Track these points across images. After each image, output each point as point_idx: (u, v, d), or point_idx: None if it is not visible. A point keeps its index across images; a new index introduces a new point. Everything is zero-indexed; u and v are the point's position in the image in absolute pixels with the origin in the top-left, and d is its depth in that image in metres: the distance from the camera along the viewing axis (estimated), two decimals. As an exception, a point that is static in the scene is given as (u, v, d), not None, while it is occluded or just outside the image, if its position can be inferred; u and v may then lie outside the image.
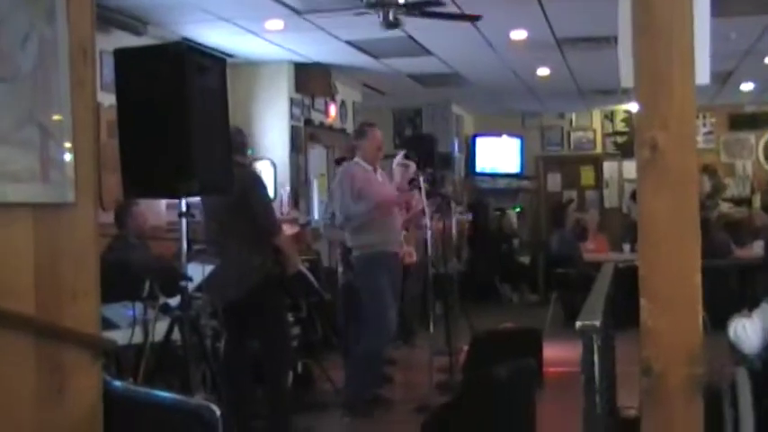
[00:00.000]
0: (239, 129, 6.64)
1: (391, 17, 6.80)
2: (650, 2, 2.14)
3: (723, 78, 11.34)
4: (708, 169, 13.32)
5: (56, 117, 3.07)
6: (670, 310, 2.14)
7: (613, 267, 4.49)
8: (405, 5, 6.75)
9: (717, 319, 8.77)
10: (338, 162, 8.44)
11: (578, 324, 2.26)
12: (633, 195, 12.32)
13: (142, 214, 6.47)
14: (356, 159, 6.88)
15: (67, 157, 3.10)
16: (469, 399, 5.86)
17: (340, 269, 7.93)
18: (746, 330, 3.51)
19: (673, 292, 2.14)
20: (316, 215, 10.23)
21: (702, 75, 2.21)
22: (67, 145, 3.10)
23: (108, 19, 7.01)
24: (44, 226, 3.00)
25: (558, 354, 7.38)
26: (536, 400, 6.14)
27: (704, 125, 14.52)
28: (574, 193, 15.50)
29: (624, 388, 4.07)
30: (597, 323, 2.27)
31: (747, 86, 12.52)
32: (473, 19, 7.16)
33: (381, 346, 6.83)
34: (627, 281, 3.51)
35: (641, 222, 2.19)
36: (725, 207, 13.21)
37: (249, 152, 7.07)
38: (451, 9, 7.15)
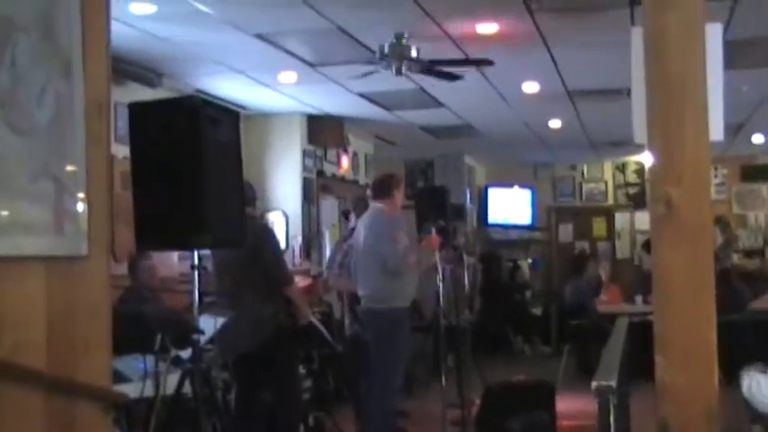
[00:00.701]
0: (248, 182, 6.67)
1: (403, 71, 6.85)
2: (663, 56, 2.15)
3: (735, 130, 11.35)
4: (720, 221, 13.27)
5: (70, 169, 3.08)
6: (686, 366, 2.11)
7: (627, 323, 4.46)
8: (417, 61, 6.79)
9: (732, 373, 8.67)
10: (345, 214, 8.42)
11: (594, 384, 2.24)
12: (645, 246, 12.25)
13: (153, 267, 6.47)
14: (388, 210, 6.80)
15: (81, 208, 3.11)
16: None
17: (347, 320, 7.90)
18: (761, 388, 3.46)
19: (688, 348, 2.12)
20: (332, 266, 10.22)
21: (716, 131, 2.21)
22: (81, 197, 3.11)
23: (123, 71, 7.08)
24: (57, 278, 3.00)
25: (572, 407, 7.30)
26: (550, 454, 6.08)
27: (716, 176, 14.49)
28: (586, 244, 15.45)
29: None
30: (613, 383, 2.24)
31: (759, 138, 12.53)
32: (484, 64, 7.20)
33: (393, 399, 6.77)
34: (641, 335, 3.48)
35: (656, 278, 2.17)
36: (737, 258, 13.14)
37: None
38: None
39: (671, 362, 2.11)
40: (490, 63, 7.16)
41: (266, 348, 5.78)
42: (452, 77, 7.30)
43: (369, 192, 7.28)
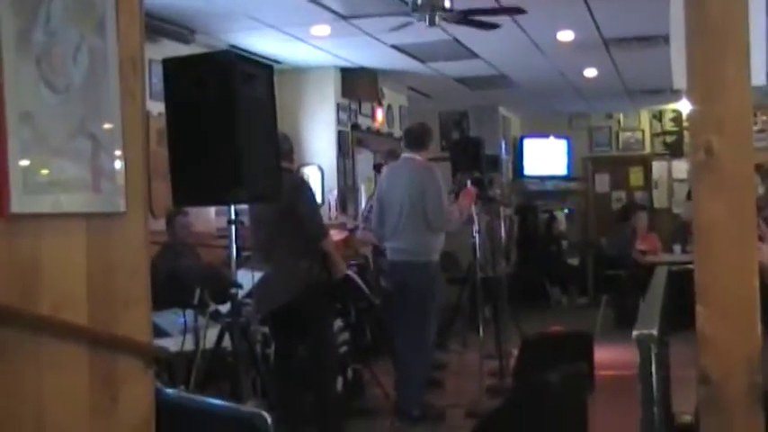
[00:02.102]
0: (285, 135, 6.68)
1: (437, 21, 6.78)
2: (703, 2, 2.10)
3: (775, 76, 11.16)
4: (761, 169, 13.10)
5: (106, 126, 3.09)
6: (728, 317, 2.09)
7: (667, 272, 4.42)
8: (450, 11, 6.72)
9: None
10: (377, 168, 8.39)
11: (635, 333, 2.22)
12: (689, 195, 12.12)
13: (190, 222, 6.52)
14: (424, 162, 6.76)
15: (118, 166, 3.12)
16: (521, 404, 5.81)
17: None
18: None
19: (730, 299, 2.09)
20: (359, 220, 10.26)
21: (759, 75, 2.16)
22: (118, 154, 3.12)
23: (156, 28, 7.08)
24: (96, 235, 3.02)
25: (610, 357, 7.31)
26: (588, 404, 6.08)
27: (755, 123, 14.29)
28: (623, 194, 15.34)
29: (679, 392, 4.00)
30: (654, 332, 2.23)
31: (800, 84, 12.30)
32: (516, 12, 7.10)
33: (430, 350, 6.80)
34: (680, 284, 3.45)
35: (697, 228, 2.15)
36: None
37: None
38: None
39: (712, 312, 2.09)
40: (522, 12, 7.07)
41: (301, 302, 5.82)
42: (489, 26, 7.21)
43: (402, 143, 7.18)
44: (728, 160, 2.09)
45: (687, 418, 3.61)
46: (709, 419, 2.10)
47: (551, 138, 15.01)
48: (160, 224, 6.45)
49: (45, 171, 2.84)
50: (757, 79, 2.20)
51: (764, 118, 14.49)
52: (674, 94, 11.76)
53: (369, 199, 9.09)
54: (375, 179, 10.71)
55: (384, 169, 7.52)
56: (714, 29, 2.09)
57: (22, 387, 2.67)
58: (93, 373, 2.94)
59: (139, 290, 3.22)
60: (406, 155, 6.88)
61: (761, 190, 12.29)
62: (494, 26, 7.26)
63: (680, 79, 2.25)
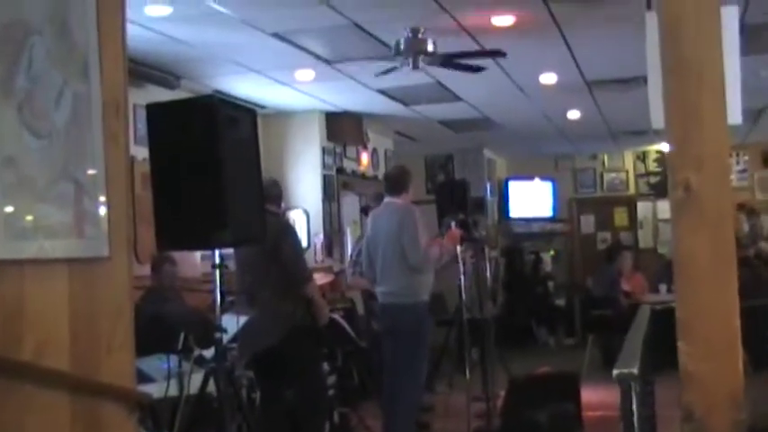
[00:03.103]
0: (275, 180, 6.77)
1: (420, 65, 6.83)
2: (679, 41, 2.13)
3: (755, 116, 11.26)
4: (744, 208, 13.19)
5: (90, 172, 3.10)
6: (710, 353, 2.10)
7: (650, 310, 4.43)
8: (433, 54, 6.78)
9: (759, 360, 8.63)
10: (365, 210, 8.40)
11: (615, 372, 2.22)
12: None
13: (176, 268, 6.48)
14: (404, 205, 6.77)
15: (102, 211, 3.12)
16: (508, 446, 5.79)
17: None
18: None
19: (712, 335, 2.10)
20: (347, 265, 10.25)
21: (735, 114, 2.19)
22: (102, 199, 3.13)
23: (141, 74, 7.11)
24: (79, 280, 3.02)
25: (597, 397, 7.28)
26: (576, 445, 6.05)
27: (738, 163, 14.41)
28: (608, 235, 15.39)
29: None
30: (635, 370, 2.23)
31: (780, 123, 12.43)
32: (497, 55, 7.16)
33: (418, 394, 6.77)
34: (664, 323, 3.46)
35: (677, 264, 2.16)
36: (761, 244, 13.04)
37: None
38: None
39: (694, 348, 2.10)
40: (502, 54, 7.12)
41: (284, 346, 5.80)
42: (474, 69, 7.27)
43: (383, 188, 7.19)
44: (707, 197, 2.11)
45: (674, 458, 3.59)
46: (694, 457, 2.10)
47: (536, 179, 15.07)
48: (145, 269, 6.43)
49: (28, 216, 2.84)
50: (734, 118, 2.22)
51: (746, 158, 14.61)
52: (658, 135, 11.86)
53: (356, 242, 9.09)
54: (361, 222, 10.72)
55: (370, 214, 7.54)
56: (689, 68, 2.12)
57: (3, 433, 2.65)
58: (75, 419, 2.92)
59: (123, 335, 3.21)
60: (386, 199, 6.90)
61: (746, 228, 12.37)
62: (479, 69, 7.32)
63: (658, 118, 2.28)
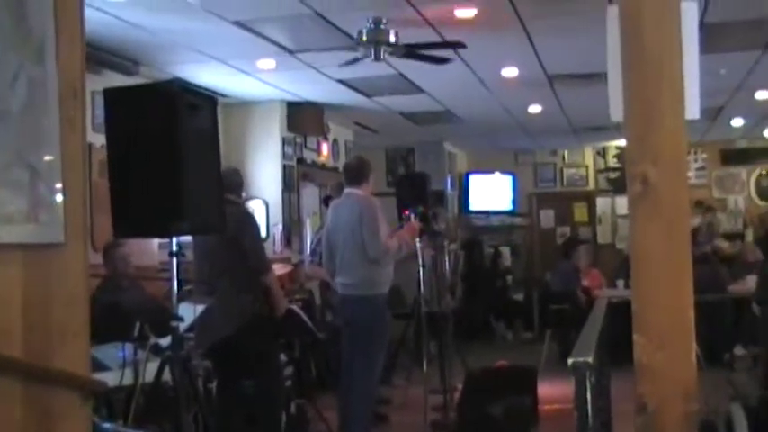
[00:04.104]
0: (236, 169, 6.76)
1: (382, 56, 6.82)
2: (639, 36, 2.14)
3: (714, 114, 11.39)
4: (701, 205, 13.35)
5: (46, 158, 3.05)
6: (664, 345, 2.11)
7: (606, 302, 4.47)
8: (395, 45, 6.77)
9: (713, 353, 8.73)
10: (326, 201, 8.38)
11: (570, 361, 2.23)
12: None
13: (127, 254, 6.40)
14: (364, 196, 6.74)
15: (57, 197, 3.08)
16: (465, 438, 5.81)
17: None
18: None
19: (666, 327, 2.12)
20: (307, 256, 10.22)
21: (693, 110, 2.20)
22: (58, 185, 3.08)
23: (100, 60, 7.02)
24: (33, 267, 2.98)
25: (554, 391, 7.33)
26: (532, 438, 6.10)
27: (696, 161, 14.58)
28: (567, 230, 15.49)
29: (621, 427, 4.03)
30: (590, 359, 2.24)
31: (738, 122, 12.58)
32: (457, 46, 7.16)
33: (375, 386, 6.76)
34: (621, 316, 3.48)
35: (633, 257, 2.17)
36: (717, 242, 13.21)
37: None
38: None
39: (649, 341, 2.12)
40: (462, 46, 7.12)
41: (242, 336, 5.78)
42: (439, 61, 7.26)
43: (343, 179, 7.17)
44: (664, 190, 2.12)
45: (628, 451, 3.62)
46: (647, 448, 2.12)
47: (497, 173, 15.14)
48: (101, 257, 6.35)
49: (-20, 201, 2.80)
50: (692, 113, 2.24)
51: (704, 155, 14.78)
52: (618, 131, 11.95)
53: (317, 232, 9.07)
54: (321, 213, 10.71)
55: (330, 204, 7.52)
56: (649, 62, 2.13)
57: (-48, 421, 2.61)
58: (28, 407, 2.88)
59: (78, 322, 3.17)
60: (347, 190, 6.87)
61: (703, 226, 12.51)
62: (444, 60, 7.32)
63: (617, 111, 2.29)
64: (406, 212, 7.21)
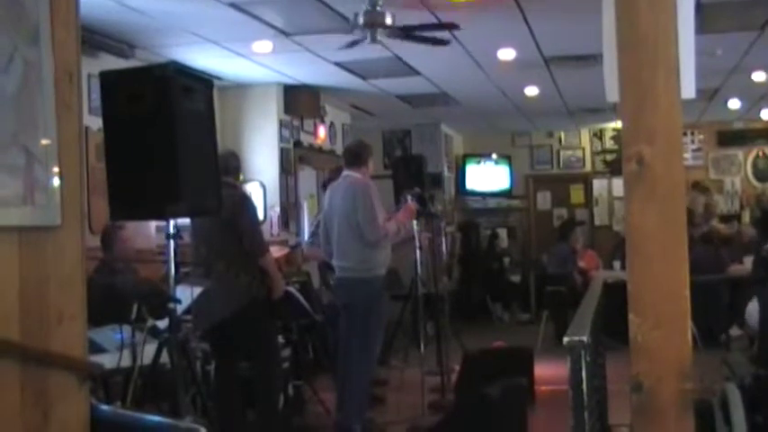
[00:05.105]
0: (233, 152, 6.78)
1: (378, 38, 6.80)
2: (634, 16, 2.14)
3: (710, 95, 11.38)
4: (698, 186, 13.36)
5: (42, 141, 3.05)
6: (660, 325, 2.12)
7: (602, 283, 4.48)
8: (391, 27, 6.74)
9: (708, 335, 8.75)
10: (325, 184, 8.38)
11: (566, 340, 2.25)
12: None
13: (127, 237, 6.42)
14: (362, 179, 6.74)
15: (54, 180, 3.08)
16: (462, 418, 5.83)
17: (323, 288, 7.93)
18: None
19: (662, 307, 2.13)
20: (306, 237, 10.21)
21: (688, 89, 2.20)
22: (54, 169, 3.09)
23: (95, 43, 7.00)
24: (30, 249, 2.98)
25: (550, 372, 7.36)
26: (528, 418, 6.12)
27: (692, 142, 14.59)
28: (564, 212, 15.51)
29: (616, 406, 4.05)
30: (585, 338, 2.25)
31: (734, 103, 12.57)
32: (450, 28, 7.13)
33: (372, 368, 6.79)
34: (616, 295, 3.49)
35: (629, 236, 2.18)
36: (714, 223, 13.24)
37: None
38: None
39: (644, 320, 2.12)
40: (456, 27, 7.09)
41: (240, 318, 5.80)
42: (437, 42, 7.23)
43: (342, 161, 7.18)
44: (660, 171, 2.13)
45: (624, 431, 3.65)
46: (642, 427, 2.13)
47: (493, 156, 15.15)
48: (99, 240, 6.36)
49: (-24, 184, 2.80)
50: (687, 92, 2.24)
51: (701, 137, 14.78)
52: (614, 113, 11.94)
53: (316, 215, 9.07)
54: (318, 196, 10.71)
55: (328, 187, 7.52)
56: (644, 42, 2.13)
57: (-50, 404, 2.62)
58: (25, 389, 2.89)
59: (74, 305, 3.18)
60: (345, 172, 6.88)
61: (700, 207, 12.52)
62: (442, 42, 7.29)
63: (613, 92, 2.29)
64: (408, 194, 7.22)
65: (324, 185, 8.76)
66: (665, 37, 2.13)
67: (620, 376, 3.56)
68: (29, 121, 3.01)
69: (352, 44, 7.07)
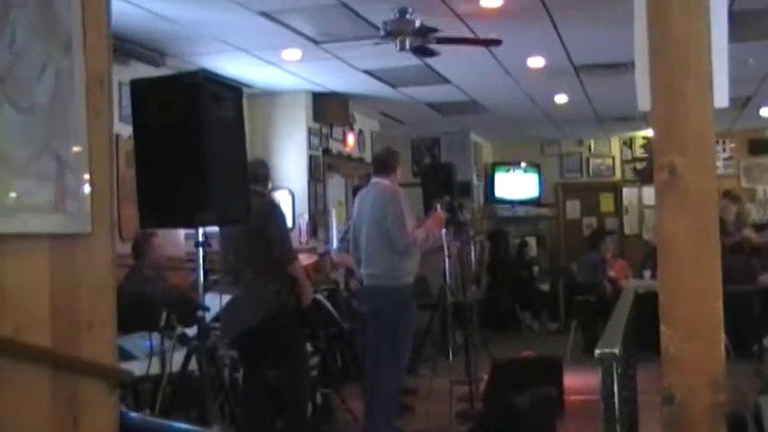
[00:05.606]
0: (262, 160, 6.80)
1: (408, 46, 6.80)
2: (666, 23, 2.12)
3: (742, 104, 11.28)
4: (730, 195, 13.23)
5: (73, 148, 3.07)
6: (691, 336, 2.09)
7: (633, 293, 4.44)
8: (421, 33, 6.74)
9: (740, 344, 8.66)
10: (355, 190, 8.40)
11: (597, 352, 2.22)
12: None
13: (159, 246, 6.46)
14: (391, 186, 6.73)
15: (84, 187, 3.10)
16: (490, 428, 5.81)
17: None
18: None
19: (694, 318, 2.10)
20: (334, 244, 10.21)
21: (721, 98, 2.17)
22: (85, 176, 3.10)
23: (126, 51, 7.06)
24: (61, 257, 2.99)
25: (579, 382, 7.32)
26: (557, 428, 6.08)
27: (724, 150, 14.45)
28: (593, 220, 15.42)
29: (646, 418, 4.01)
30: (617, 350, 2.23)
31: (766, 111, 12.45)
32: (492, 44, 7.13)
33: (401, 376, 6.77)
34: (647, 306, 3.46)
35: (660, 247, 2.15)
36: (746, 232, 13.10)
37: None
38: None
39: (676, 331, 2.10)
40: (498, 43, 7.09)
41: (268, 326, 5.80)
42: (465, 42, 7.19)
43: (371, 168, 7.18)
44: (692, 180, 2.10)
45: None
46: (674, 439, 2.10)
47: (522, 164, 15.10)
48: (128, 247, 6.40)
49: (9, 192, 2.81)
50: (720, 101, 2.21)
51: (732, 145, 14.65)
52: (645, 121, 11.87)
53: (346, 221, 9.08)
54: (347, 203, 10.72)
55: (357, 194, 7.53)
56: (676, 49, 2.11)
57: (-19, 410, 2.63)
58: (56, 396, 2.90)
59: (104, 312, 3.19)
60: (373, 180, 6.89)
61: (732, 216, 12.41)
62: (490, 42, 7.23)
63: (644, 101, 2.27)
64: (438, 202, 7.20)
65: (354, 192, 8.78)
66: (697, 44, 2.11)
67: (649, 387, 3.52)
68: (60, 129, 3.03)
69: (378, 43, 6.98)
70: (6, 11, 2.84)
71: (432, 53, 7.16)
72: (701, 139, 2.11)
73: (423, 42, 6.86)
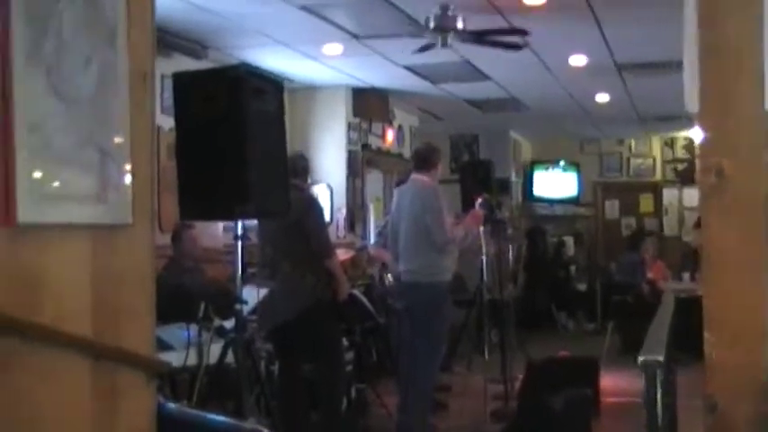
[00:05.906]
0: (302, 154, 6.79)
1: (449, 42, 6.77)
2: (718, 23, 2.08)
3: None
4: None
5: (115, 139, 3.09)
6: (736, 343, 2.06)
7: (674, 298, 4.39)
8: (463, 31, 6.71)
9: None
10: (397, 186, 8.38)
11: (641, 359, 2.19)
12: (697, 223, 12.06)
13: (196, 237, 6.48)
14: (431, 182, 6.71)
15: (126, 179, 3.11)
16: (524, 428, 5.78)
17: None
18: None
19: (739, 326, 2.07)
20: (371, 240, 10.21)
21: (773, 100, 2.14)
22: (126, 167, 3.11)
23: (169, 43, 7.09)
24: (102, 247, 3.01)
25: (616, 383, 7.27)
26: (592, 429, 6.04)
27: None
28: (632, 221, 15.29)
29: (685, 422, 3.96)
30: (661, 358, 2.20)
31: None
32: (519, 33, 7.06)
33: (435, 373, 6.75)
34: (688, 312, 3.41)
35: (705, 252, 2.12)
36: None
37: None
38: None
39: (720, 339, 2.06)
40: (525, 33, 7.03)
41: (304, 320, 5.80)
42: (510, 47, 7.16)
43: (411, 164, 7.16)
44: (740, 184, 2.07)
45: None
46: (716, 447, 2.07)
47: (561, 162, 15.01)
48: (168, 238, 6.43)
49: (52, 181, 2.83)
50: (772, 103, 2.17)
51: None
52: (687, 122, 11.73)
53: (384, 216, 9.07)
54: (385, 200, 10.72)
55: (395, 190, 7.51)
56: (728, 50, 2.07)
57: (22, 398, 2.65)
58: (95, 385, 2.92)
59: (144, 302, 3.21)
60: (413, 176, 6.86)
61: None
62: (515, 46, 7.21)
63: (692, 102, 2.23)
64: (476, 200, 7.17)
65: (397, 186, 8.77)
66: (749, 45, 2.07)
67: (689, 391, 3.48)
68: (104, 121, 3.05)
69: (424, 49, 7.04)
70: (54, 3, 2.86)
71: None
72: (751, 142, 2.07)
73: (462, 40, 6.82)
